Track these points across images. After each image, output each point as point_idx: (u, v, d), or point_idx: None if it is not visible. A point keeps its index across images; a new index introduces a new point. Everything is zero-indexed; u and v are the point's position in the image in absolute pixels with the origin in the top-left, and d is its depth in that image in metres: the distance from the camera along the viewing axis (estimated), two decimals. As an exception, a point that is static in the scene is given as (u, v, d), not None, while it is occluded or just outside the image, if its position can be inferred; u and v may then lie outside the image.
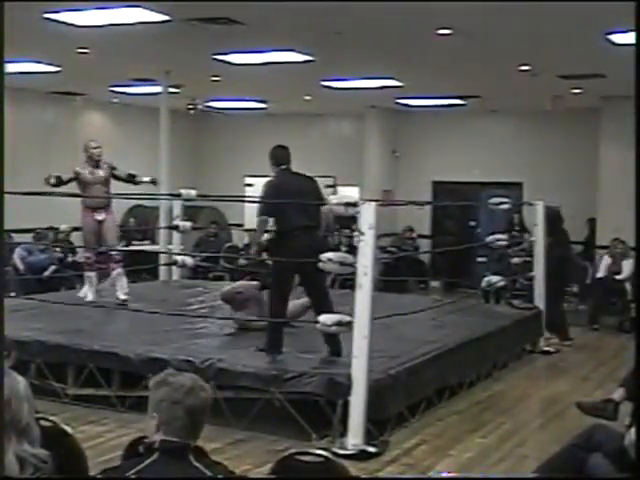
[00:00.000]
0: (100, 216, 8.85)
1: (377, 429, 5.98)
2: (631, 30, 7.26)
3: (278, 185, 6.76)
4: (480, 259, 13.02)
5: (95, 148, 8.93)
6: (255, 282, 8.10)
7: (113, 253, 9.14)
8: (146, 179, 9.47)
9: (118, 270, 9.06)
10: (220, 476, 2.64)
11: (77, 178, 8.80)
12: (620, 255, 11.76)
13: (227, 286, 8.33)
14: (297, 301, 7.75)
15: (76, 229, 13.40)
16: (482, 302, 11.74)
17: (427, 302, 10.39)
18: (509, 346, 8.91)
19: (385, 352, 6.56)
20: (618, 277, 11.69)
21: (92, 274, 9.15)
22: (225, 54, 9.82)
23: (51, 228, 12.16)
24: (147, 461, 2.63)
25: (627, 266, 11.69)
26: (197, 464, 2.62)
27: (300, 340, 7.26)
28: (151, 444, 2.68)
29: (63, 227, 12.94)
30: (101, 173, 8.92)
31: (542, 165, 14.58)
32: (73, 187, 8.91)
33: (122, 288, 8.98)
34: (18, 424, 2.59)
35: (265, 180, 6.89)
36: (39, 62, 10.81)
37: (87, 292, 9.09)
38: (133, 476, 2.60)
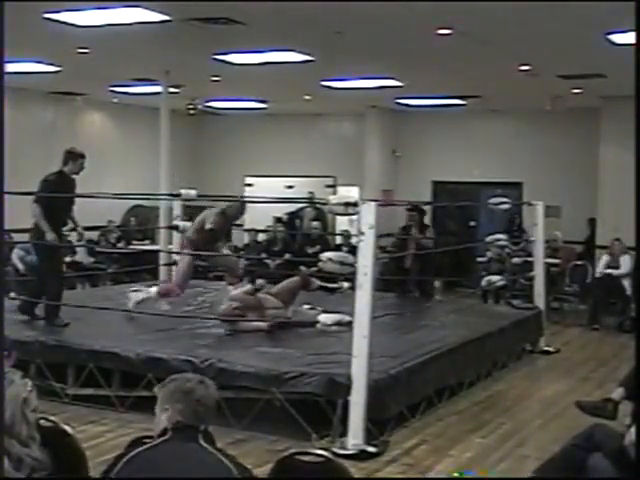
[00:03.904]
0: None
1: (377, 429, 5.98)
2: (631, 30, 7.25)
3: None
4: (480, 259, 13.01)
5: None
6: (247, 287, 8.13)
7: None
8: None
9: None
10: (224, 460, 2.79)
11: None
12: (618, 253, 11.75)
13: (222, 306, 8.00)
14: (311, 312, 7.98)
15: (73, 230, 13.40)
16: (481, 302, 11.75)
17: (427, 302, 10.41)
18: (509, 346, 8.91)
19: (385, 352, 6.56)
20: (616, 272, 11.67)
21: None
22: (225, 54, 9.82)
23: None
24: (159, 440, 2.82)
25: (625, 262, 11.69)
26: (206, 445, 2.81)
27: (302, 340, 7.28)
28: (165, 429, 2.84)
29: (65, 228, 12.91)
30: None
31: (542, 165, 14.57)
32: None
33: None
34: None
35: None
36: (39, 62, 10.81)
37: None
38: (144, 453, 2.77)
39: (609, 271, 11.73)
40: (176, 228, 10.94)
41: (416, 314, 9.15)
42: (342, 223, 14.68)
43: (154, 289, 8.57)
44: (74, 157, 7.82)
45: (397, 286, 10.89)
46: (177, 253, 10.74)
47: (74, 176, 7.88)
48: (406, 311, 9.51)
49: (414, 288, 10.69)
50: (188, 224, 10.86)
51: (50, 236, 7.55)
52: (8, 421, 2.65)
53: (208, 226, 8.21)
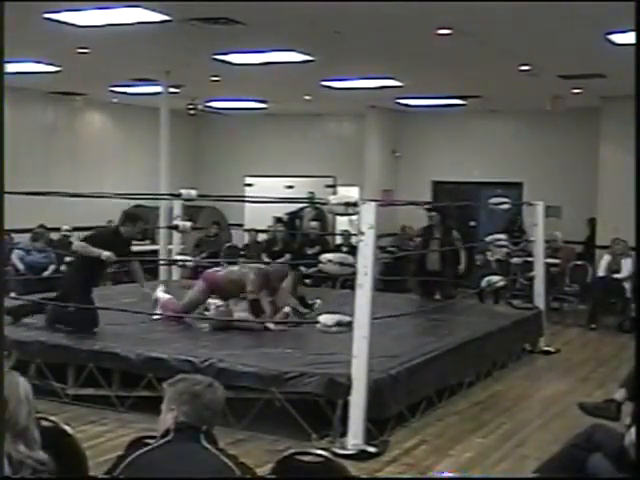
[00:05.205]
0: None
1: (377, 429, 5.98)
2: (631, 30, 7.26)
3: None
4: (480, 259, 12.99)
5: None
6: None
7: None
8: None
9: None
10: (226, 460, 2.79)
11: None
12: (620, 254, 11.74)
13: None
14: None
15: (76, 229, 13.45)
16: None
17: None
18: (509, 346, 8.91)
19: (385, 352, 6.55)
20: (617, 276, 11.66)
21: None
22: (225, 54, 9.82)
23: (42, 226, 12.14)
24: (161, 440, 2.81)
25: (626, 265, 11.68)
26: (208, 445, 2.80)
27: (302, 340, 7.28)
28: (167, 429, 2.83)
29: (64, 227, 12.94)
30: None
31: (542, 165, 14.58)
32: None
33: None
34: (15, 426, 2.59)
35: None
36: (39, 62, 10.81)
37: None
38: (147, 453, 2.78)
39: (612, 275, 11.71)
40: (176, 228, 10.94)
41: (421, 315, 9.14)
42: (342, 223, 14.68)
43: (160, 297, 8.50)
44: (134, 220, 7.85)
45: (420, 288, 10.88)
46: (177, 254, 10.74)
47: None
48: (410, 311, 9.51)
49: (437, 290, 10.62)
50: (188, 224, 10.89)
51: (105, 255, 7.29)
52: (24, 422, 2.63)
53: (249, 288, 7.84)
